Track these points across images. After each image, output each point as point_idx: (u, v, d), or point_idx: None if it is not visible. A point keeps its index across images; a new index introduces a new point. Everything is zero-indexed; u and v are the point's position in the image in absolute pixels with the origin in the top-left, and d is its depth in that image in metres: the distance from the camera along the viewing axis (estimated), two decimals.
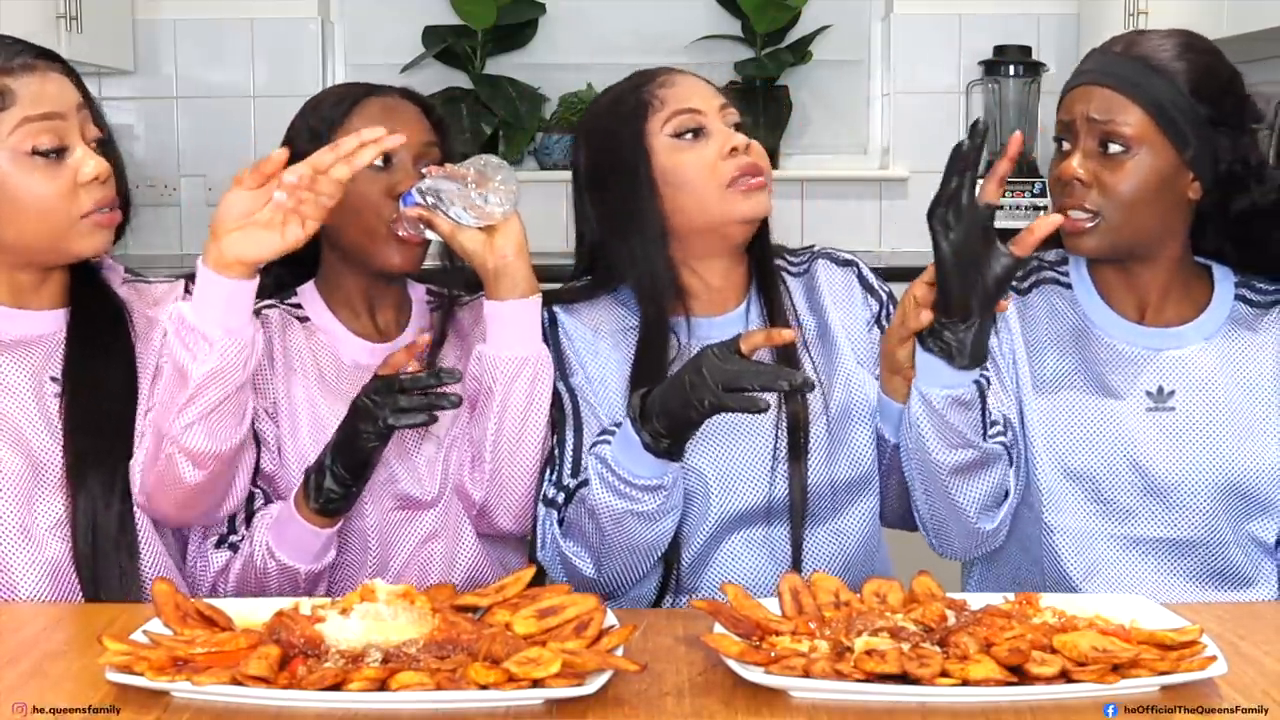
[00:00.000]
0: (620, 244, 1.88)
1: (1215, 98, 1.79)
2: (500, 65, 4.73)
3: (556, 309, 1.92)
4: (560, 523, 1.81)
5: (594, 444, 1.80)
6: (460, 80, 4.69)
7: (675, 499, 1.75)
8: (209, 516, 1.83)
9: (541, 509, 1.84)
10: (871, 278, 1.98)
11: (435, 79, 4.67)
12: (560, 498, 1.82)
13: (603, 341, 1.90)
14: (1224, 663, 1.33)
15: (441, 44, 4.65)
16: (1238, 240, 1.87)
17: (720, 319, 1.91)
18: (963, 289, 1.64)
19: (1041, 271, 1.93)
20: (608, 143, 1.89)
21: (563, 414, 1.87)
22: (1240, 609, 1.62)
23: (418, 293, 2.04)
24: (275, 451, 1.89)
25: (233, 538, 1.87)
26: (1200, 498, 1.82)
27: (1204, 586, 1.83)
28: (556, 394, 1.88)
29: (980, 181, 1.63)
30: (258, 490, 1.89)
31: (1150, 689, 1.32)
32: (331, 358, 1.94)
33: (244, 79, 4.68)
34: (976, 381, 1.70)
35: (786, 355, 1.86)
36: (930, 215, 1.64)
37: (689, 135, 1.86)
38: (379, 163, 1.87)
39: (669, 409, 1.65)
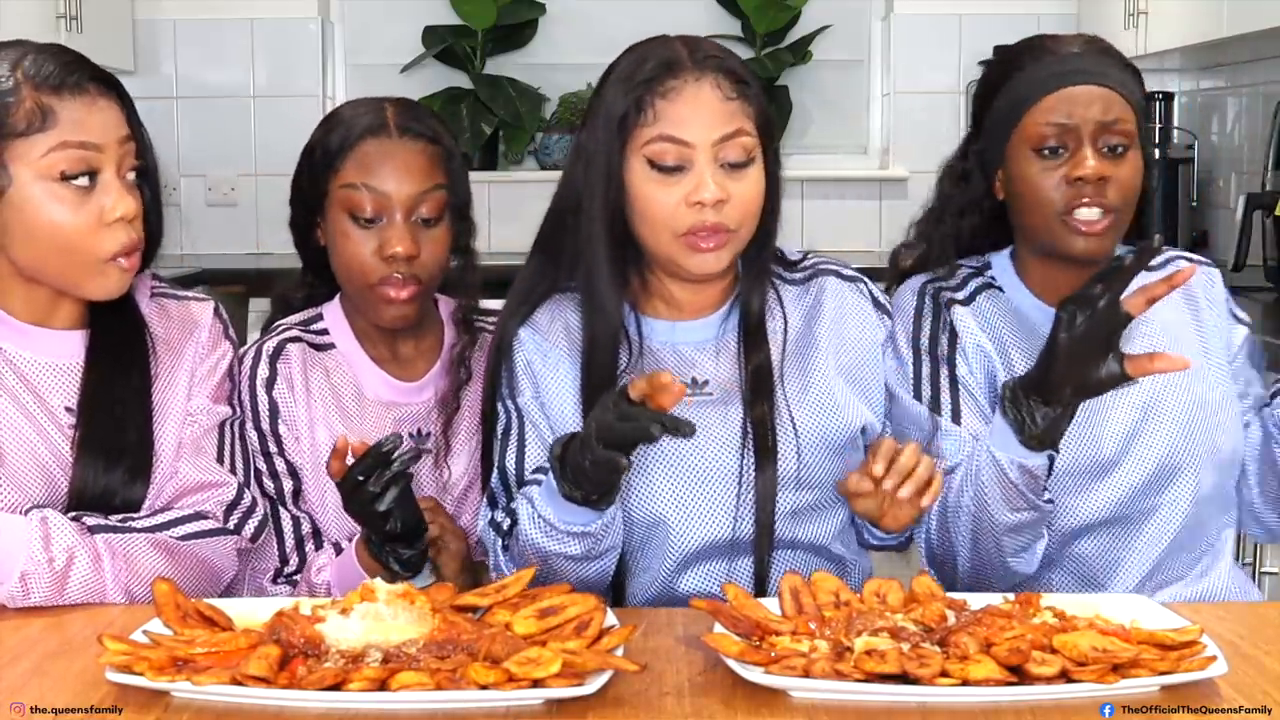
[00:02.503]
0: (573, 232, 1.77)
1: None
2: (500, 65, 4.73)
3: (516, 327, 1.81)
4: (504, 549, 1.74)
5: (526, 481, 1.74)
6: (460, 80, 4.70)
7: (608, 543, 1.67)
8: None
9: (491, 532, 1.77)
10: (881, 296, 1.90)
11: (435, 79, 4.68)
12: (506, 524, 1.74)
13: (557, 351, 1.79)
14: (1224, 663, 1.33)
15: (441, 44, 4.66)
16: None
17: (691, 323, 1.81)
18: (1062, 379, 1.63)
19: (976, 278, 1.90)
20: (598, 122, 1.74)
21: (505, 435, 1.79)
22: (1240, 609, 1.62)
23: (448, 307, 2.00)
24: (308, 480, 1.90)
25: (288, 570, 1.87)
26: (1190, 459, 1.82)
27: (1185, 560, 1.84)
28: (502, 413, 1.80)
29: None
30: (303, 515, 1.88)
31: (1150, 689, 1.31)
32: (354, 390, 1.93)
33: (244, 79, 4.69)
34: (1050, 457, 1.69)
35: (759, 373, 1.77)
36: (1061, 304, 1.63)
37: (662, 171, 1.70)
38: (366, 219, 1.86)
39: (572, 462, 1.58)
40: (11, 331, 1.72)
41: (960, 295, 1.88)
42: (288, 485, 1.89)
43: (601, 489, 1.60)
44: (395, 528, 1.68)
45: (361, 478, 1.64)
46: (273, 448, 1.89)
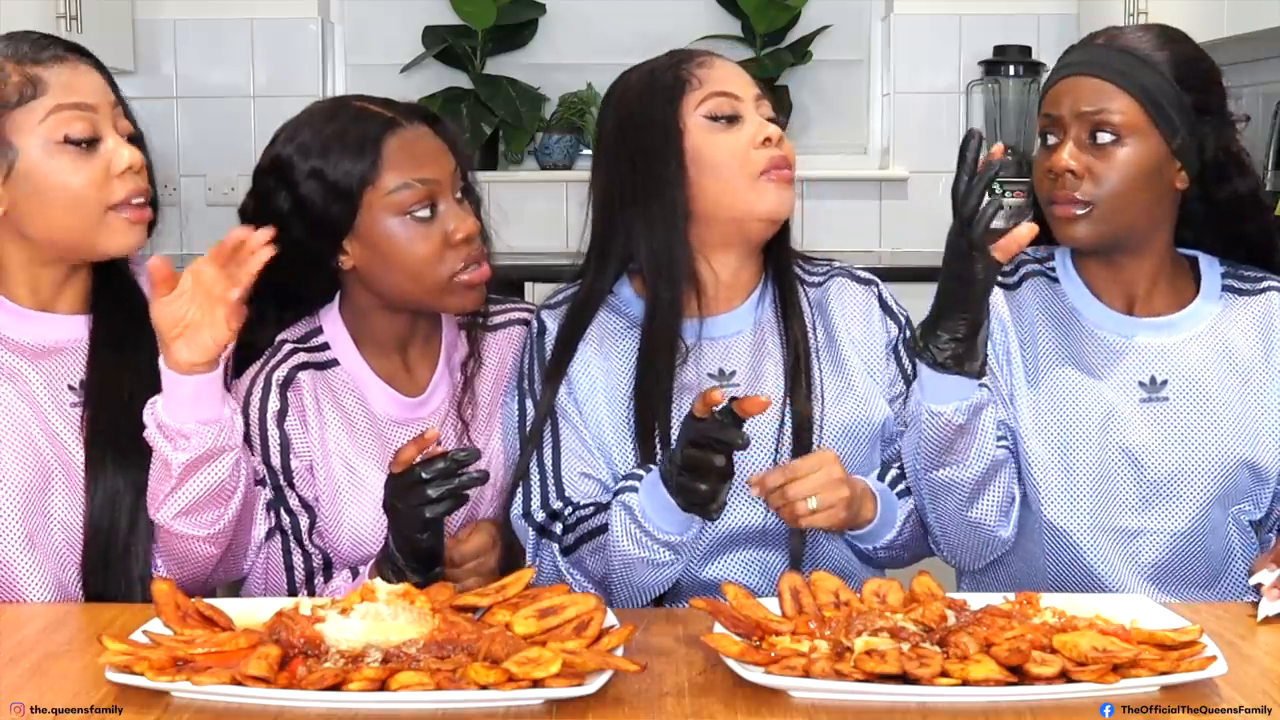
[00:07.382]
0: (639, 218, 1.82)
1: (1199, 86, 1.80)
2: (500, 65, 4.72)
3: (545, 316, 1.88)
4: (563, 552, 1.76)
5: (619, 490, 1.73)
6: (460, 80, 4.69)
7: (689, 552, 1.72)
8: (227, 576, 1.84)
9: (530, 531, 1.79)
10: (891, 300, 1.93)
11: (435, 79, 4.67)
12: (556, 528, 1.77)
13: (588, 347, 1.85)
14: (1224, 663, 1.33)
15: (441, 44, 4.65)
16: (1220, 230, 1.89)
17: (725, 316, 1.86)
18: (948, 301, 1.65)
19: (1030, 264, 1.92)
20: (639, 114, 1.84)
21: (538, 431, 1.82)
22: (1240, 609, 1.62)
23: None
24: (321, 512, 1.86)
25: None
26: (1196, 487, 1.82)
27: (1190, 575, 1.83)
28: (531, 407, 1.83)
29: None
30: (314, 550, 1.84)
31: (1150, 689, 1.32)
32: (363, 412, 1.87)
33: (244, 79, 4.68)
34: (983, 385, 1.69)
35: (796, 365, 1.82)
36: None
37: (723, 120, 1.83)
38: (424, 213, 1.79)
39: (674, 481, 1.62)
40: (13, 317, 1.74)
41: (1012, 279, 1.91)
42: (303, 522, 1.84)
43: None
44: (425, 541, 1.64)
45: (426, 476, 1.60)
46: (283, 482, 1.84)
